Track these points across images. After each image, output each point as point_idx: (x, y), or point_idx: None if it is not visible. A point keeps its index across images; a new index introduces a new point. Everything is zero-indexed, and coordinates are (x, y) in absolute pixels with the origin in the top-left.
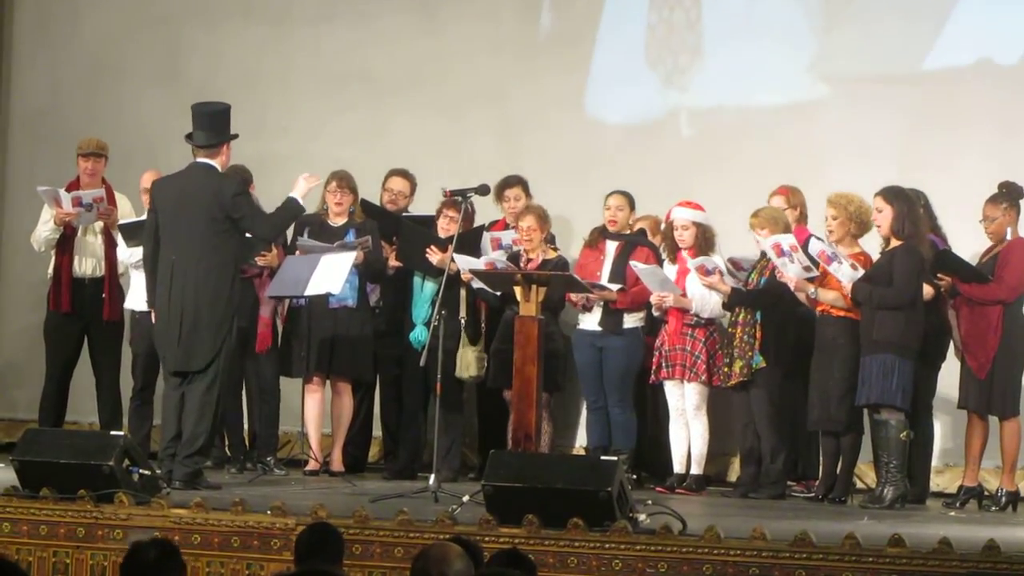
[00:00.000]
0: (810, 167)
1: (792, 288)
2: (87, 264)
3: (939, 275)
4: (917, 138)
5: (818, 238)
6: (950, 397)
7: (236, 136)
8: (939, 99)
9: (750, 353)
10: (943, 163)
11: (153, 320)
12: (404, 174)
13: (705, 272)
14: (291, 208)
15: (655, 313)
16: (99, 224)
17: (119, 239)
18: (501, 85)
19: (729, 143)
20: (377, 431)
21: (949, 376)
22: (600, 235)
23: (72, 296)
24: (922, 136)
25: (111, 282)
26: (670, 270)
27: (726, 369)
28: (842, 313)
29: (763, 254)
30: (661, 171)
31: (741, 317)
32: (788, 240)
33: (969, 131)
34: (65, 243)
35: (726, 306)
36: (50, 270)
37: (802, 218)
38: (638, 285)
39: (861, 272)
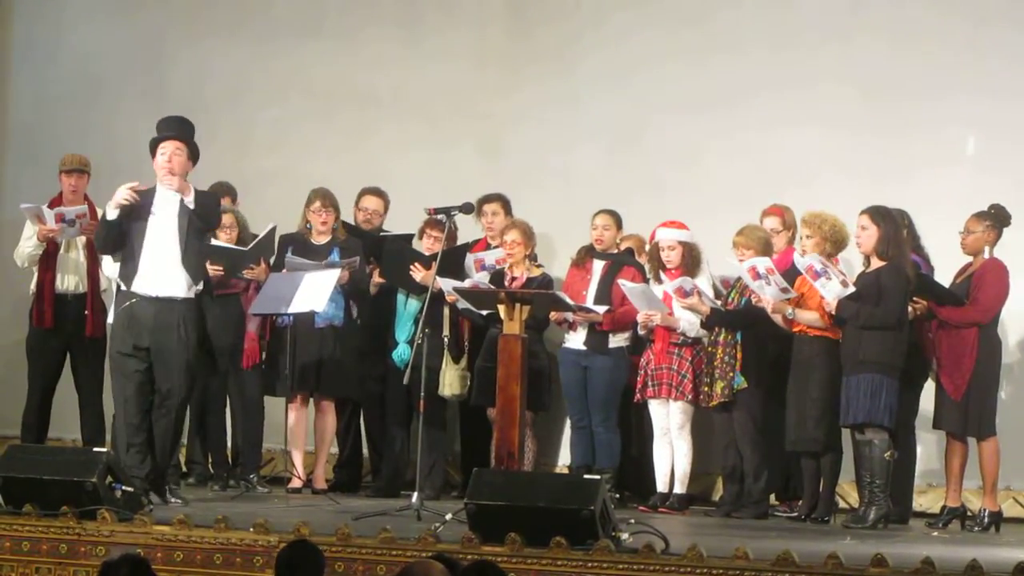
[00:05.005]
0: None
1: (769, 311)
2: (69, 280)
3: (915, 298)
4: None
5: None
6: (932, 417)
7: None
8: None
9: (731, 374)
10: None
11: None
12: (377, 192)
13: (683, 294)
14: (100, 222)
15: (641, 332)
16: (82, 239)
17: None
18: (484, 99)
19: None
20: (367, 450)
21: (931, 396)
22: (587, 254)
23: (54, 312)
24: None
25: (93, 298)
26: (656, 290)
27: (706, 389)
28: (819, 332)
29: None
30: (645, 187)
31: (722, 337)
32: (764, 263)
33: None
34: (48, 259)
35: (704, 325)
36: (32, 286)
37: (794, 238)
38: (624, 306)
39: (852, 289)
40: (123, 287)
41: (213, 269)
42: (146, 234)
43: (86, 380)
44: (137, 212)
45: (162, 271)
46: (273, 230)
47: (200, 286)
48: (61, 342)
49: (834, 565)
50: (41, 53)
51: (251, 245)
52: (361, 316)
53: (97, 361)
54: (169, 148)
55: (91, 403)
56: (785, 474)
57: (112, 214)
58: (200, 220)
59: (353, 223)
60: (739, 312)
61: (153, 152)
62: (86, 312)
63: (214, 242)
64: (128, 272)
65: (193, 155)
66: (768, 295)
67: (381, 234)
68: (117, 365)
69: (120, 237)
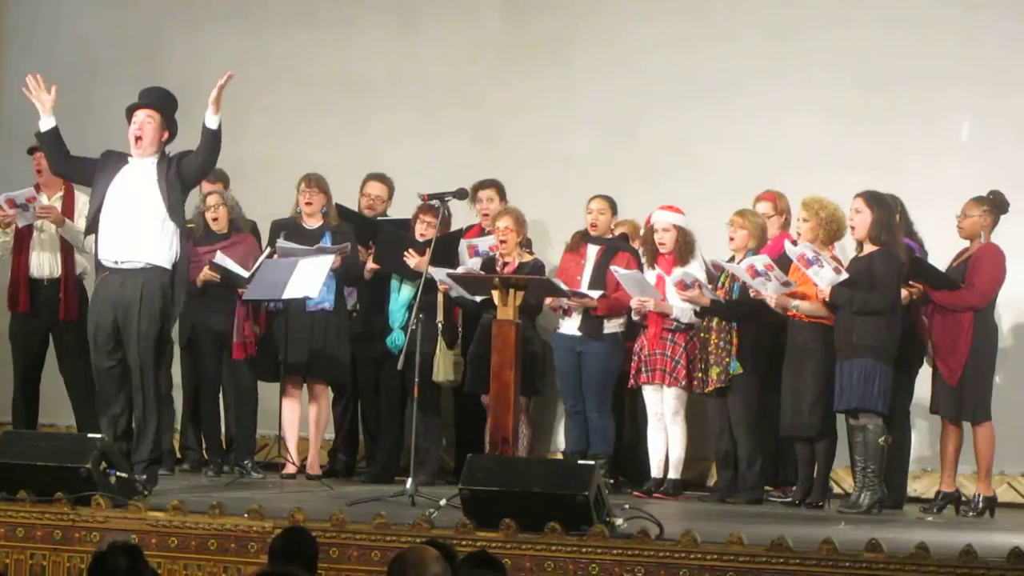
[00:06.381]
0: None
1: (772, 306)
2: (44, 265)
3: (911, 282)
4: None
5: (795, 242)
6: (927, 402)
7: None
8: None
9: (727, 359)
10: None
11: None
12: (382, 178)
13: (684, 287)
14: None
15: (635, 318)
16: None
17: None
18: (479, 87)
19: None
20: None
21: (926, 381)
22: (582, 239)
23: (30, 297)
24: None
25: (67, 282)
26: (650, 275)
27: (701, 375)
28: (813, 318)
29: (733, 256)
30: (639, 174)
31: (716, 323)
32: (761, 260)
33: None
34: (21, 243)
35: (699, 313)
36: (9, 271)
37: (787, 224)
38: (618, 291)
39: (844, 275)
40: (96, 260)
41: (210, 275)
42: (114, 200)
43: (70, 365)
44: (104, 176)
45: (127, 239)
46: (266, 258)
47: (176, 253)
48: (41, 327)
49: (828, 550)
50: (37, 40)
51: (250, 274)
52: (359, 303)
53: (79, 346)
54: (140, 116)
55: (78, 388)
56: (775, 461)
57: (45, 123)
58: (182, 170)
59: (356, 209)
60: (738, 303)
61: (129, 121)
62: (60, 296)
63: (219, 256)
64: (96, 240)
65: (169, 126)
66: (770, 291)
67: (376, 219)
68: (91, 357)
69: (77, 164)
